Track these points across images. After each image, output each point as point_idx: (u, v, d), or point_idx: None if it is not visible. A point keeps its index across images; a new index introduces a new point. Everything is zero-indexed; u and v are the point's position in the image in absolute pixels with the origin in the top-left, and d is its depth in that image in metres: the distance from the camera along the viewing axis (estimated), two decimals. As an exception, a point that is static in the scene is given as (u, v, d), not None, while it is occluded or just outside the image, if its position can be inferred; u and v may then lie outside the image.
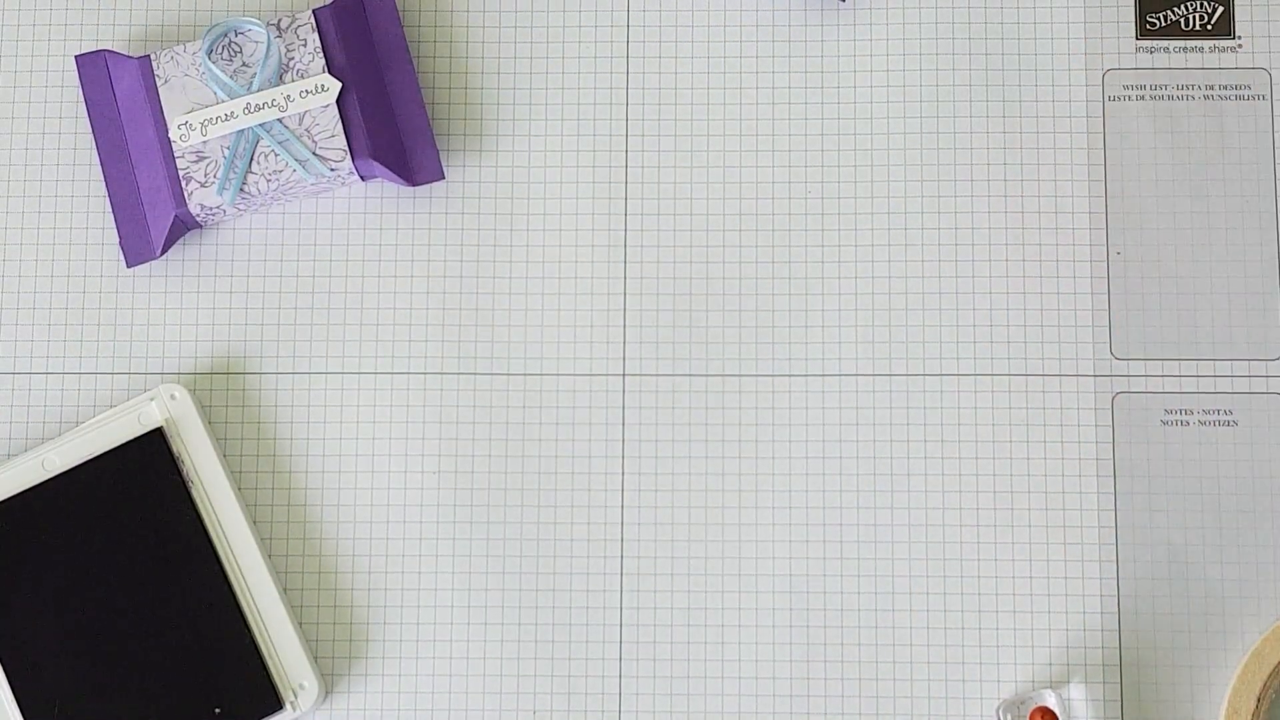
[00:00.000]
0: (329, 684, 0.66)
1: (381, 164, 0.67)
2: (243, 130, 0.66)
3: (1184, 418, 0.67)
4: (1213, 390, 0.67)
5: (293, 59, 0.67)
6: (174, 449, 0.66)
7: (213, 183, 0.66)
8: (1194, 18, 0.70)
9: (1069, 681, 0.66)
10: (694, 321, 0.69)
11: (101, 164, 0.69)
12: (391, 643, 0.66)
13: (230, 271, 0.69)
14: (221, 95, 0.67)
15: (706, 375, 0.68)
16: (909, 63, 0.70)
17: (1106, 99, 0.70)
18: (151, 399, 0.67)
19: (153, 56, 0.68)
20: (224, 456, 0.67)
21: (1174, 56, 0.70)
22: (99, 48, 0.70)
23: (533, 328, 0.69)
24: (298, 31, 0.68)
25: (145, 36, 0.71)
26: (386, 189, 0.70)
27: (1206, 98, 0.69)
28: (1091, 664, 0.66)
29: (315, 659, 0.66)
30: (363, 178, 0.68)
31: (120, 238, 0.68)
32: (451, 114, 0.70)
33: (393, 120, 0.68)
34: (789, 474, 0.67)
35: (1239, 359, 0.68)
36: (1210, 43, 0.70)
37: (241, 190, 0.66)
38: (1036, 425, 0.67)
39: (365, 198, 0.70)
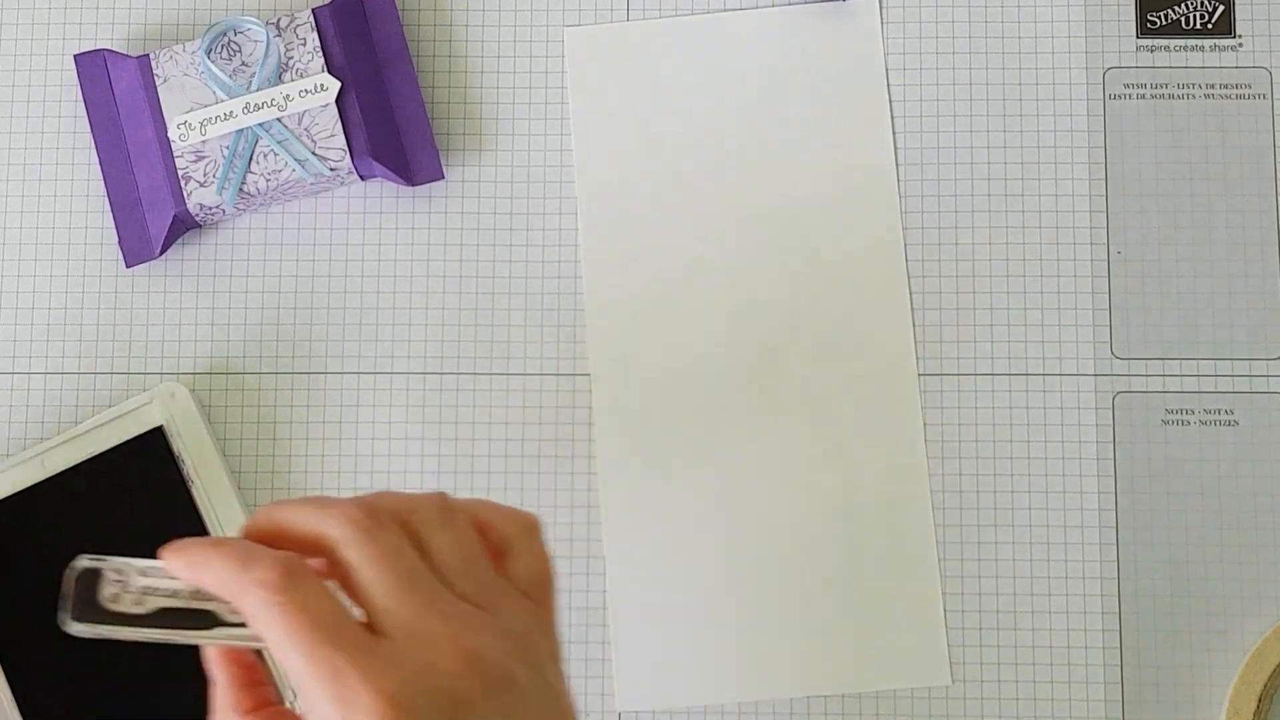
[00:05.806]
0: (329, 684, 0.66)
1: (381, 164, 0.67)
2: (242, 130, 0.66)
3: (1184, 417, 0.67)
4: (1213, 390, 0.67)
5: (292, 58, 0.67)
6: (174, 449, 0.66)
7: (212, 182, 0.66)
8: (1194, 16, 0.70)
9: (1069, 681, 0.66)
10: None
11: (100, 164, 0.68)
12: (392, 643, 0.66)
13: (230, 271, 0.69)
14: (221, 94, 0.67)
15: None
16: (909, 62, 0.70)
17: (1107, 98, 0.69)
18: (151, 399, 0.67)
19: (152, 56, 0.68)
20: (224, 456, 0.67)
21: (1174, 55, 0.70)
22: (98, 47, 0.70)
23: (533, 328, 0.69)
24: (297, 31, 0.67)
25: (144, 36, 0.71)
26: (386, 189, 0.70)
27: (1207, 97, 0.69)
28: (1092, 664, 0.66)
29: (315, 659, 0.66)
30: (362, 177, 0.68)
31: (119, 238, 0.68)
32: (451, 114, 0.70)
33: (392, 120, 0.68)
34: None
35: (1239, 359, 0.68)
36: (1210, 42, 0.70)
37: (241, 190, 0.66)
38: (1037, 425, 0.67)
39: (365, 198, 0.70)
